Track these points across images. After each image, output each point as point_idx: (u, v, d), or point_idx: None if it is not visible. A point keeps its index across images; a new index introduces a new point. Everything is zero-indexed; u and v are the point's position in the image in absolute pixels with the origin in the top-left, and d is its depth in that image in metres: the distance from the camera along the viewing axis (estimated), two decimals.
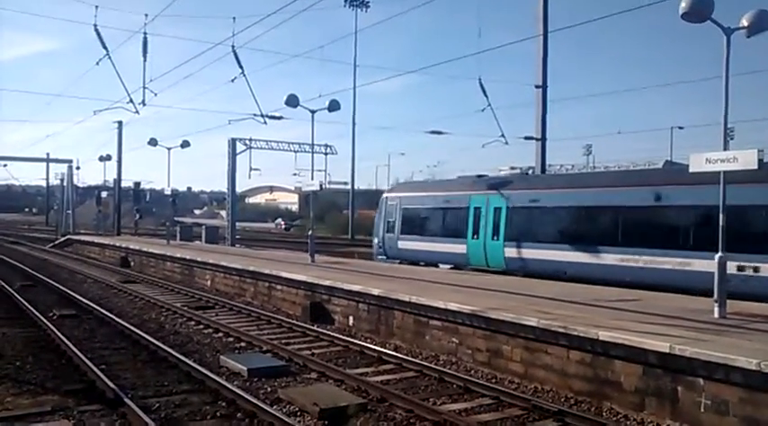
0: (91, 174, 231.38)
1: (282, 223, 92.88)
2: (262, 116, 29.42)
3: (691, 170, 11.84)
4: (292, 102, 24.75)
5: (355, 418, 8.66)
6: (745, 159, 10.83)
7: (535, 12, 29.28)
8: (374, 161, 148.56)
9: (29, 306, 17.62)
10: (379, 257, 27.13)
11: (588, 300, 13.27)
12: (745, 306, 12.27)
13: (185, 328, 15.64)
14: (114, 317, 16.28)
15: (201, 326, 15.78)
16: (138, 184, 53.28)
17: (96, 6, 24.07)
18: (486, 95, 28.00)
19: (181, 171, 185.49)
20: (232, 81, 27.04)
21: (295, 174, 35.08)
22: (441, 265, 23.60)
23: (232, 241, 39.33)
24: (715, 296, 11.30)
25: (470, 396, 9.90)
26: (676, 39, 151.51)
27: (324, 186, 24.67)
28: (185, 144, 38.33)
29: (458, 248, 23.06)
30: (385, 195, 28.56)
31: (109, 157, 53.07)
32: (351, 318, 15.75)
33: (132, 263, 33.64)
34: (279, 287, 19.45)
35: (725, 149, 11.56)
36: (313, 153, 27.21)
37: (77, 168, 59.54)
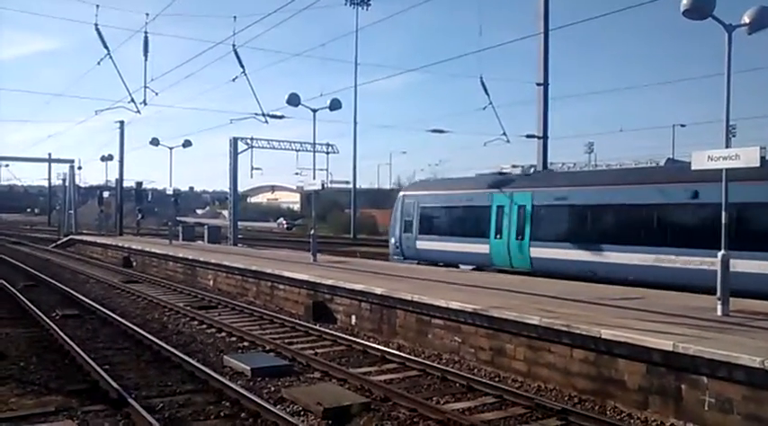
0: (93, 174, 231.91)
1: (284, 222, 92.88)
2: (263, 115, 29.40)
3: (693, 167, 11.83)
4: (294, 100, 24.77)
5: (359, 417, 8.66)
6: (747, 156, 10.82)
7: (536, 9, 29.26)
8: (376, 160, 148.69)
9: (32, 307, 17.65)
10: (396, 257, 26.39)
11: (591, 298, 13.26)
12: (749, 304, 12.26)
13: (188, 328, 15.66)
14: (117, 317, 16.30)
15: (204, 326, 15.80)
16: (140, 184, 53.33)
17: (97, 6, 24.06)
18: (487, 93, 27.98)
19: (183, 170, 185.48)
20: (233, 80, 27.03)
21: (297, 174, 35.00)
22: (461, 266, 22.96)
23: (234, 240, 39.36)
24: (718, 293, 11.30)
25: (473, 395, 9.90)
26: (678, 37, 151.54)
27: (325, 185, 24.59)
28: (187, 143, 38.39)
29: (480, 248, 22.39)
30: (402, 193, 27.84)
31: (111, 157, 53.16)
32: (353, 317, 15.76)
33: (134, 263, 33.67)
34: (281, 286, 19.46)
35: (727, 147, 11.55)
36: (315, 152, 27.23)
37: (79, 168, 59.86)
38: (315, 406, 8.77)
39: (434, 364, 11.62)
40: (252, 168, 38.67)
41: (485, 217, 22.42)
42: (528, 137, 29.62)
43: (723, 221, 11.55)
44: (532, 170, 24.86)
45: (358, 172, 64.92)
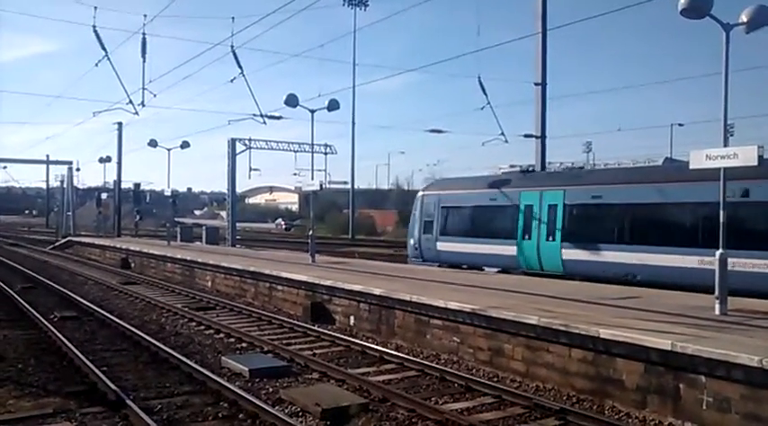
0: (91, 176, 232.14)
1: (283, 223, 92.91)
2: (261, 116, 29.41)
3: (691, 167, 11.84)
4: (292, 101, 24.75)
5: (357, 418, 8.65)
6: (745, 155, 10.83)
7: (534, 9, 29.24)
8: (374, 160, 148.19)
9: (30, 308, 17.62)
10: (415, 260, 25.28)
11: (590, 298, 13.27)
12: (747, 303, 12.27)
13: (186, 329, 15.63)
14: (115, 319, 16.28)
15: (202, 327, 15.78)
16: (138, 185, 53.30)
17: (95, 7, 24.10)
18: (485, 93, 27.99)
19: (181, 172, 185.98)
20: (231, 81, 27.06)
21: (295, 174, 35.03)
22: (486, 268, 22.05)
23: (232, 241, 39.34)
24: (716, 292, 11.30)
25: (472, 395, 9.89)
26: (675, 36, 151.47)
27: (324, 186, 24.51)
28: (185, 144, 38.35)
29: (506, 250, 21.30)
30: (421, 193, 26.65)
31: (109, 159, 53.23)
32: (352, 318, 15.75)
33: (133, 265, 33.63)
34: (279, 287, 19.45)
35: (725, 146, 11.56)
36: (313, 152, 27.25)
37: (77, 170, 59.74)
38: (313, 407, 8.76)
39: (433, 364, 11.61)
40: (250, 169, 38.61)
41: (511, 217, 21.46)
42: (526, 136, 29.60)
43: (721, 220, 11.56)
44: (531, 169, 24.82)
45: (356, 172, 65.18)
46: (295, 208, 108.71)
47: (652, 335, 9.13)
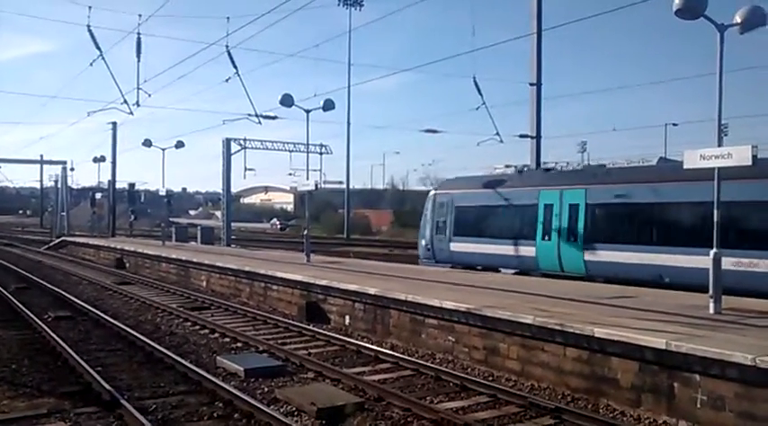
0: (85, 176, 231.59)
1: (278, 223, 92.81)
2: (256, 116, 29.42)
3: (685, 166, 11.87)
4: (287, 101, 24.73)
5: (352, 417, 8.65)
6: (739, 155, 10.87)
7: (529, 9, 29.35)
8: (369, 160, 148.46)
9: (24, 309, 17.56)
10: (426, 261, 24.63)
11: (586, 297, 13.29)
12: (741, 302, 12.31)
13: (181, 329, 15.60)
14: (110, 319, 16.24)
15: (198, 327, 15.75)
16: (132, 185, 53.28)
17: (89, 7, 24.05)
18: (480, 93, 28.10)
19: (176, 171, 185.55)
20: (226, 81, 27.07)
21: (290, 174, 35.09)
22: (503, 270, 21.32)
23: (227, 241, 39.27)
24: (710, 292, 11.34)
25: (467, 394, 9.90)
26: (670, 36, 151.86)
27: (319, 186, 24.46)
28: (180, 144, 38.27)
29: (524, 251, 20.69)
30: (433, 192, 25.85)
31: (103, 159, 53.06)
32: (347, 317, 15.74)
33: (127, 265, 33.54)
34: (275, 287, 19.43)
35: (719, 145, 11.59)
36: (308, 152, 27.26)
37: (71, 170, 59.76)
38: (308, 406, 8.76)
39: (428, 364, 11.61)
40: (245, 169, 38.58)
41: (530, 217, 20.76)
42: (521, 136, 29.73)
43: (715, 219, 11.60)
44: (525, 169, 24.86)
45: (351, 172, 65.31)
46: (290, 207, 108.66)
47: (647, 334, 9.15)
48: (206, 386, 9.98)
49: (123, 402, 8.91)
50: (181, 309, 17.99)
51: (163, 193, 41.69)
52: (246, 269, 21.25)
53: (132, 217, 52.62)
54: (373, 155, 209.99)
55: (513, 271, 20.88)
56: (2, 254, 41.80)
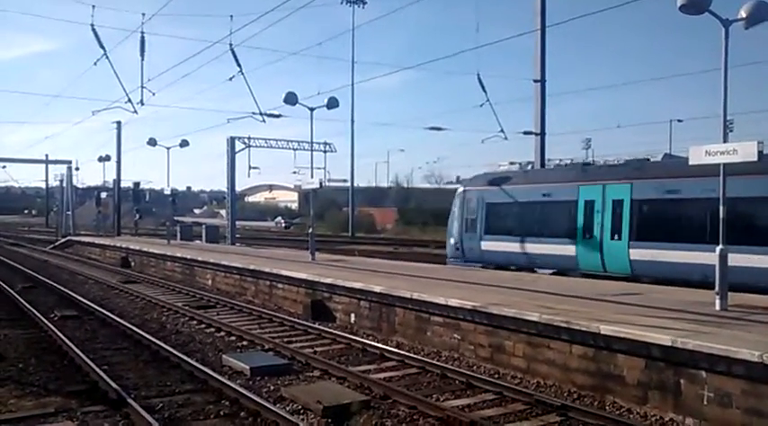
0: (90, 175, 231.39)
1: (282, 221, 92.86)
2: (260, 114, 29.48)
3: (690, 162, 11.83)
4: (291, 99, 24.74)
5: (358, 415, 8.65)
6: (744, 151, 10.83)
7: (533, 6, 29.29)
8: (373, 158, 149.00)
9: (30, 308, 17.62)
10: (454, 260, 23.57)
11: (591, 295, 13.27)
12: (747, 299, 12.29)
13: (187, 328, 15.64)
14: (116, 318, 16.28)
15: (203, 326, 15.78)
16: (137, 184, 53.25)
17: (93, 6, 24.12)
18: (484, 90, 28.11)
19: (180, 170, 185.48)
20: (230, 79, 27.15)
21: (294, 172, 35.17)
22: (538, 270, 20.27)
23: (232, 240, 39.35)
24: (716, 288, 11.31)
25: (473, 392, 9.90)
26: (674, 32, 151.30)
27: (323, 184, 24.49)
28: (184, 143, 38.34)
29: (562, 250, 19.66)
30: (462, 188, 24.64)
31: (108, 158, 53.16)
32: (352, 316, 15.75)
33: (133, 264, 33.64)
34: (280, 285, 19.45)
35: (724, 141, 11.55)
36: (312, 150, 27.23)
37: (76, 169, 59.61)
38: (314, 405, 8.76)
39: (434, 361, 11.61)
40: (249, 167, 38.67)
41: (569, 214, 19.68)
42: (525, 133, 29.68)
43: (721, 216, 11.56)
44: (530, 166, 24.83)
45: (356, 170, 65.04)
46: (294, 206, 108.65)
47: (653, 331, 9.13)
48: (212, 384, 10.00)
49: (130, 400, 8.93)
50: (186, 308, 18.03)
51: (167, 192, 41.73)
52: (251, 267, 21.28)
53: (137, 216, 52.65)
54: (377, 153, 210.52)
55: (550, 271, 19.88)
56: (8, 254, 41.97)
